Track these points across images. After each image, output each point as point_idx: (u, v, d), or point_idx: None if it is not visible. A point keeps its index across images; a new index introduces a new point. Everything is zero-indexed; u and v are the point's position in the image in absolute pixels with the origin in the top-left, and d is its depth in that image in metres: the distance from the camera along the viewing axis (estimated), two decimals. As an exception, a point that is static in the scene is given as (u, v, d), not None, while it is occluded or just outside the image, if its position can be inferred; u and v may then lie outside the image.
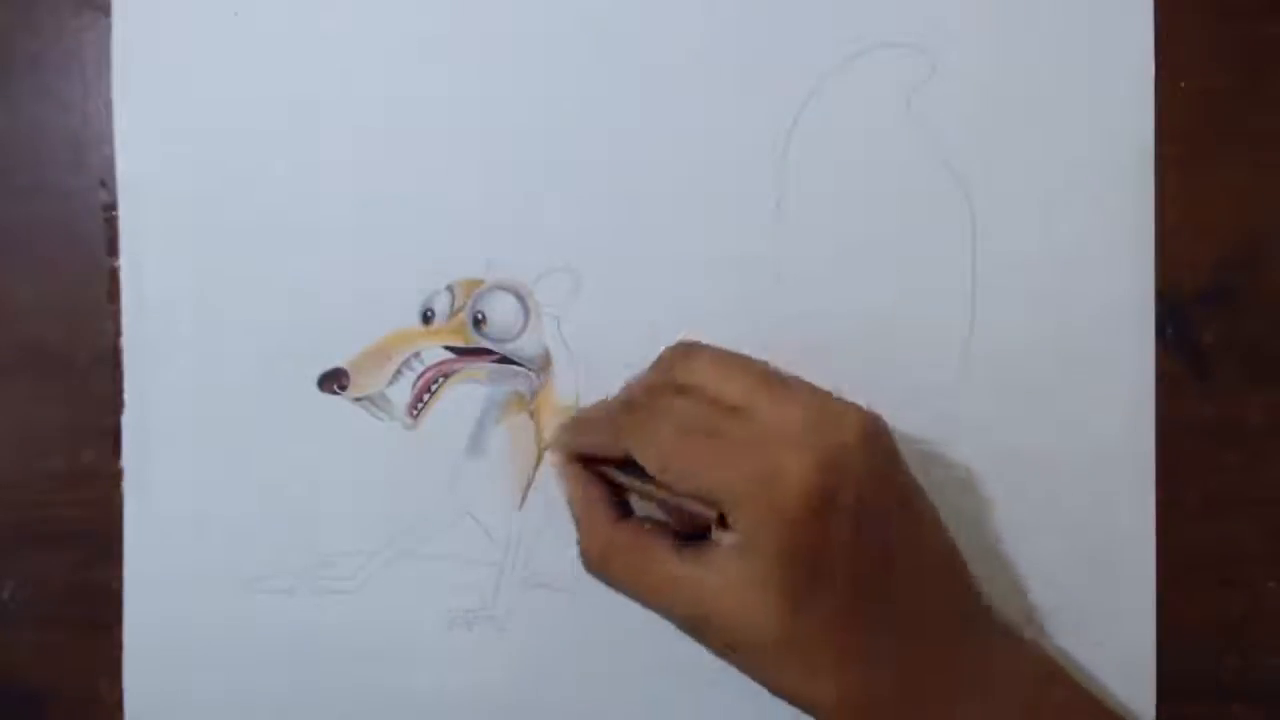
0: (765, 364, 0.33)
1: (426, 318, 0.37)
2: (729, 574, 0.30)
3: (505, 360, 0.37)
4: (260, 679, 0.37)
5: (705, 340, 0.34)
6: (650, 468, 0.31)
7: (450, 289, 0.37)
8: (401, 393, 0.37)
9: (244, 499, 0.37)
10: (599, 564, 0.33)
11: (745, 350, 0.35)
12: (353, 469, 0.37)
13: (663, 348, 0.35)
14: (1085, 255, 0.37)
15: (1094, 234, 0.37)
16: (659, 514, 0.33)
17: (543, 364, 0.37)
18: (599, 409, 0.36)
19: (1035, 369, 0.37)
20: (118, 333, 0.37)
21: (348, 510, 0.37)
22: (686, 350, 0.34)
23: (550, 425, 0.37)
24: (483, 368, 0.37)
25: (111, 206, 0.37)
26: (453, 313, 0.37)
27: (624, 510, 0.34)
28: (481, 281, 0.37)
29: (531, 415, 0.37)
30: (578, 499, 0.34)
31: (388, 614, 0.37)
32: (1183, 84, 0.37)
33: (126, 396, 0.37)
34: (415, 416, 0.37)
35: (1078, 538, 0.37)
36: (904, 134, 0.37)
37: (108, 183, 0.37)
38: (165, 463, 0.37)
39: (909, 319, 0.37)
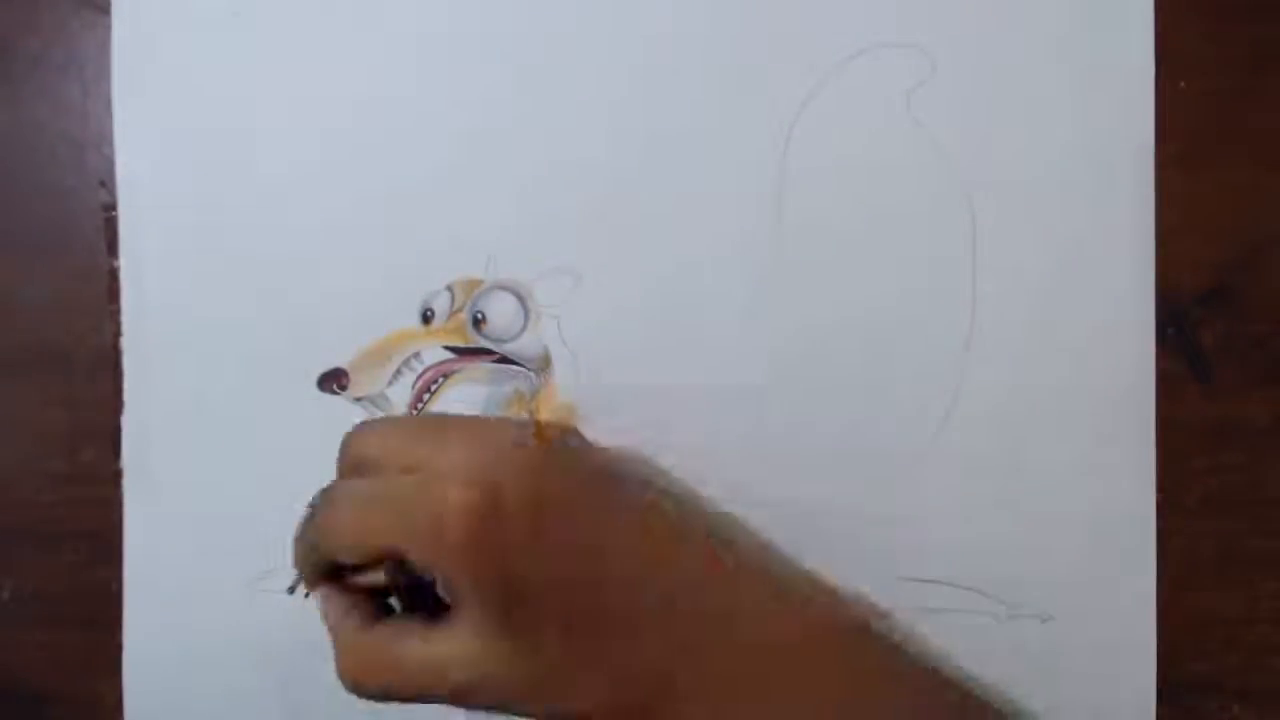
0: (433, 415, 0.34)
1: (426, 318, 0.37)
2: (457, 638, 0.29)
3: (505, 360, 0.37)
4: (260, 679, 0.37)
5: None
6: (346, 558, 0.30)
7: (450, 289, 0.37)
8: (401, 393, 0.37)
9: (244, 499, 0.37)
10: (353, 684, 0.31)
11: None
12: (353, 469, 0.37)
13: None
14: (1085, 255, 0.37)
15: (1094, 234, 0.37)
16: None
17: (543, 364, 0.37)
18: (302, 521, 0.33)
19: (1035, 369, 0.37)
20: (118, 333, 0.37)
21: (348, 510, 0.37)
22: (355, 431, 0.33)
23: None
24: (483, 368, 0.37)
25: (111, 206, 0.37)
26: (453, 313, 0.37)
27: (384, 613, 0.32)
28: (481, 281, 0.37)
29: (531, 415, 0.37)
30: (328, 619, 0.32)
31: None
32: (1183, 84, 0.37)
33: (126, 396, 0.37)
34: (415, 416, 0.37)
35: (1078, 538, 0.37)
36: (904, 134, 0.37)
37: (108, 183, 0.37)
38: (165, 463, 0.37)
39: (909, 319, 0.37)
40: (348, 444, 0.33)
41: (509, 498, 0.29)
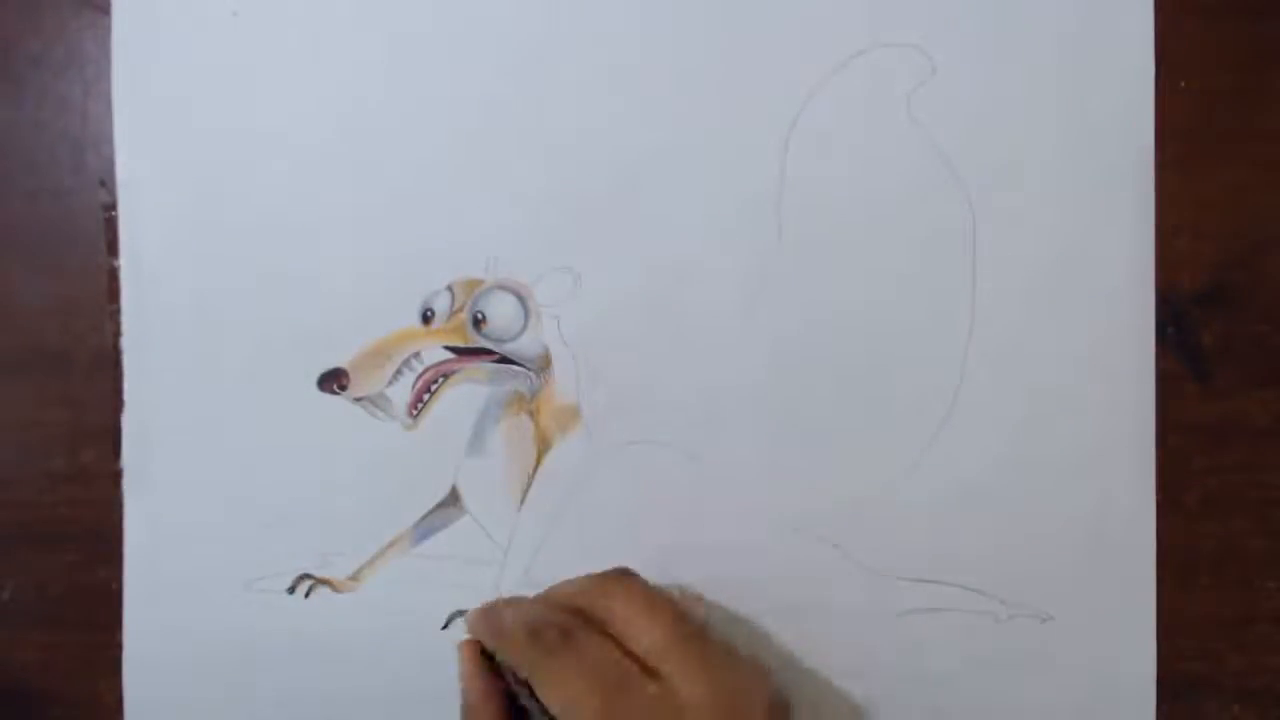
0: (685, 615, 0.33)
1: (426, 318, 0.37)
2: None
3: (505, 360, 0.37)
4: (260, 679, 0.38)
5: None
6: (552, 709, 0.31)
7: (450, 289, 0.37)
8: (401, 393, 0.37)
9: (244, 499, 0.37)
10: None
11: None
12: (353, 469, 0.37)
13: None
14: (1085, 255, 0.37)
15: (1094, 234, 0.37)
16: None
17: (543, 364, 0.37)
18: (518, 614, 0.34)
19: (1035, 369, 0.37)
20: (118, 333, 0.37)
21: (348, 510, 0.37)
22: (611, 584, 0.33)
23: (550, 425, 0.37)
24: (483, 368, 0.37)
25: (111, 206, 0.37)
26: (453, 313, 0.37)
27: (512, 707, 0.34)
28: (481, 281, 0.37)
29: (531, 415, 0.37)
30: (472, 689, 0.34)
31: (388, 614, 0.37)
32: (1183, 84, 0.37)
33: (126, 396, 0.37)
34: (415, 416, 0.37)
35: (1078, 538, 0.37)
36: (904, 134, 0.37)
37: (108, 183, 0.37)
38: (165, 463, 0.37)
39: (909, 319, 0.37)
40: (595, 589, 0.33)
41: None
